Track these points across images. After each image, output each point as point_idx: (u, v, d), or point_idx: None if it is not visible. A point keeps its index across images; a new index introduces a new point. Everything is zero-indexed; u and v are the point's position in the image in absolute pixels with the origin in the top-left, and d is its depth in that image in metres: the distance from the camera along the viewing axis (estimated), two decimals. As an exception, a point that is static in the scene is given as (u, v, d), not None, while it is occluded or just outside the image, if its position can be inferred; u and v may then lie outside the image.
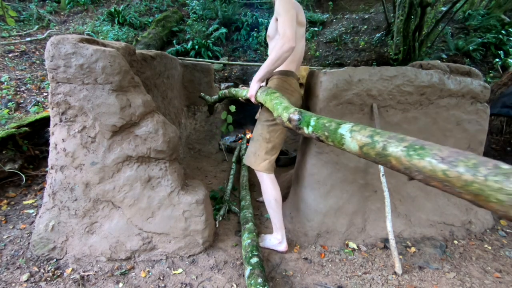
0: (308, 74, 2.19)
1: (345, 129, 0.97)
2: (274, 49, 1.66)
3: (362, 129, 0.92)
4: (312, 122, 1.15)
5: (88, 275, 1.79)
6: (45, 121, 2.93)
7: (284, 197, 2.73)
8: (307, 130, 1.18)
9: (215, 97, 3.06)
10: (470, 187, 0.62)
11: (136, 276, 1.82)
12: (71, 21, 7.20)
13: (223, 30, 6.71)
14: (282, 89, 1.86)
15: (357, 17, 7.36)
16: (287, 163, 3.93)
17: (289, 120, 1.31)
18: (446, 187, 0.67)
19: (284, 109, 1.39)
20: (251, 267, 1.71)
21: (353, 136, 0.93)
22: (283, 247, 2.04)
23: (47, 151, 2.11)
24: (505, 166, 0.60)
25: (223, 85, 5.01)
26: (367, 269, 1.97)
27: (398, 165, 0.78)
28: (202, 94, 3.39)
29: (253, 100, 1.85)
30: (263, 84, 1.93)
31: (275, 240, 2.07)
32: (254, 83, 1.80)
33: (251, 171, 3.52)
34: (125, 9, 7.38)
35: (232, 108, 3.61)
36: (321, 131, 1.10)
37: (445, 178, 0.66)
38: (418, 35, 5.24)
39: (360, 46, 6.34)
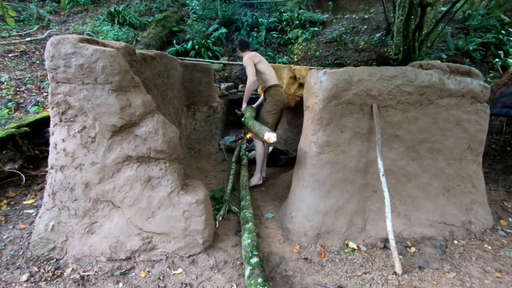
0: (308, 74, 2.19)
1: (250, 122, 2.83)
2: (246, 84, 3.24)
3: (252, 120, 2.87)
4: (245, 122, 3.04)
5: (88, 275, 1.79)
6: (45, 121, 2.92)
7: (284, 197, 2.73)
8: (244, 124, 3.08)
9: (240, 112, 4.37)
10: (256, 132, 2.54)
11: (136, 276, 1.82)
12: (71, 21, 7.20)
13: (223, 30, 6.70)
14: (270, 95, 3.27)
15: (357, 17, 7.36)
16: (287, 163, 3.93)
17: (243, 121, 3.16)
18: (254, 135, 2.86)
19: (244, 118, 3.17)
20: (251, 267, 1.71)
21: (248, 123, 2.89)
22: (260, 181, 3.29)
23: (47, 151, 2.11)
24: (260, 128, 2.50)
25: (223, 85, 5.01)
26: (367, 269, 1.97)
27: (251, 129, 2.73)
28: (236, 110, 4.17)
29: (243, 110, 3.46)
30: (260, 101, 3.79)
31: (257, 179, 3.28)
32: (243, 104, 3.43)
33: (251, 171, 3.52)
34: (125, 9, 7.38)
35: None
36: (246, 124, 2.99)
37: (253, 131, 2.65)
38: (418, 35, 5.24)
39: (360, 46, 6.34)
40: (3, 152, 2.58)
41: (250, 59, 3.22)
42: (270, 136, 2.17)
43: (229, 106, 4.69)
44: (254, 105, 3.71)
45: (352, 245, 2.18)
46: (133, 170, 1.85)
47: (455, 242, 2.29)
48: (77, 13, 7.56)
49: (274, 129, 3.33)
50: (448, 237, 2.32)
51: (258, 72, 3.25)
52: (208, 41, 6.34)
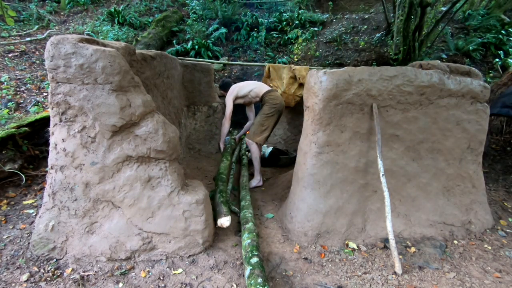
0: (308, 74, 2.19)
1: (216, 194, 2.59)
2: (223, 121, 3.44)
3: (218, 194, 2.53)
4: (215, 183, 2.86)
5: (88, 275, 1.79)
6: (45, 121, 2.92)
7: (284, 197, 2.74)
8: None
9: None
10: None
11: (136, 276, 1.82)
12: (71, 21, 7.19)
13: (223, 30, 6.70)
14: (266, 101, 3.31)
15: (357, 17, 7.35)
16: (287, 163, 3.93)
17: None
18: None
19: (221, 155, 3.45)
20: (251, 267, 1.71)
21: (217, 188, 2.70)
22: (260, 183, 3.29)
23: (47, 151, 2.11)
24: None
25: (223, 85, 5.00)
26: (367, 269, 1.97)
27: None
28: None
29: (222, 151, 3.62)
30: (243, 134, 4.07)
31: (256, 180, 3.28)
32: (221, 144, 3.62)
33: (250, 171, 3.52)
34: (125, 9, 7.37)
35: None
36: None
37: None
38: (418, 35, 5.24)
39: (360, 46, 6.34)
40: (3, 152, 2.58)
41: (230, 96, 3.42)
42: (223, 223, 2.21)
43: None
44: (241, 132, 4.06)
45: (352, 245, 2.18)
46: (133, 170, 1.86)
47: (455, 242, 2.29)
48: (77, 13, 7.55)
49: (270, 133, 3.37)
50: (448, 237, 2.32)
51: (244, 98, 3.46)
52: (208, 41, 6.33)
